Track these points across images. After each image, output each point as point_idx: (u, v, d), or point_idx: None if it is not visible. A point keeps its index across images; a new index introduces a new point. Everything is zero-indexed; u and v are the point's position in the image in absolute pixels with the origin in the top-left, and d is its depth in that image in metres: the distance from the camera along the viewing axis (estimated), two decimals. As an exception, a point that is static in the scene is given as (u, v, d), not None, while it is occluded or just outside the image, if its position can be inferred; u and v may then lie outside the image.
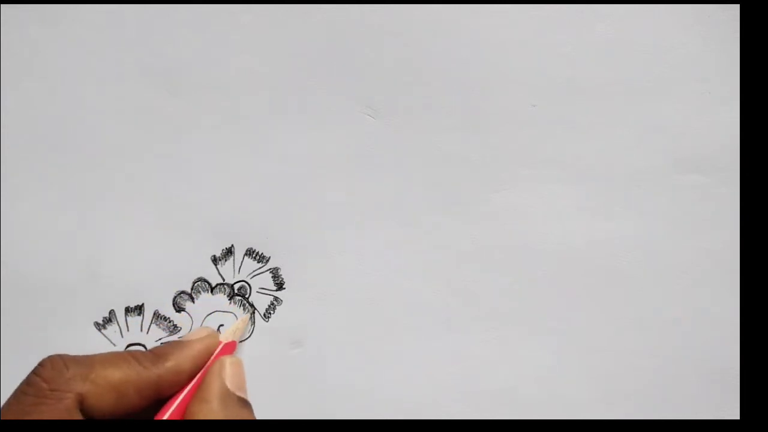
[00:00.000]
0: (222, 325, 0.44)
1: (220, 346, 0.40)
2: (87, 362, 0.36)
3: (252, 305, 0.44)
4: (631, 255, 0.44)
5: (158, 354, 0.38)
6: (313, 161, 0.44)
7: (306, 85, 0.44)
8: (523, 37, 0.43)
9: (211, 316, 0.44)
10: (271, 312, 0.44)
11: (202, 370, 0.39)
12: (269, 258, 0.44)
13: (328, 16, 0.43)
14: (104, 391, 0.35)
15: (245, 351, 0.44)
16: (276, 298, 0.44)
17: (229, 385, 0.38)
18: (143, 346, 0.44)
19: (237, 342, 0.42)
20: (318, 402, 0.44)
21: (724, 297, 0.43)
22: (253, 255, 0.44)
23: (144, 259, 0.44)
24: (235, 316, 0.44)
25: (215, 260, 0.44)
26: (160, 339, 0.44)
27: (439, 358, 0.44)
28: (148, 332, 0.44)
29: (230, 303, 0.44)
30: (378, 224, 0.44)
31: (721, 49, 0.43)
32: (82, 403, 0.35)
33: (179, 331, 0.44)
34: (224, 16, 0.44)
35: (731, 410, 0.43)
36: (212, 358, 0.40)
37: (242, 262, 0.44)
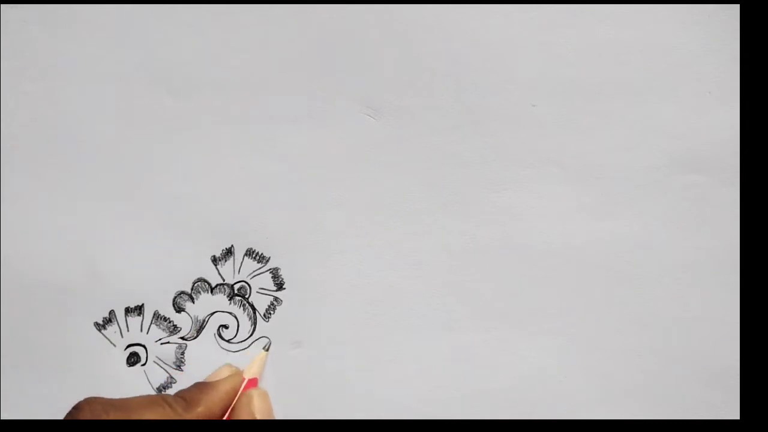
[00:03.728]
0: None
1: (244, 383, 0.42)
2: (124, 407, 0.36)
3: (252, 305, 0.44)
4: (631, 255, 0.44)
5: (189, 400, 0.39)
6: (313, 161, 0.44)
7: (306, 85, 0.44)
8: (523, 37, 0.43)
9: (210, 317, 0.44)
10: (271, 312, 0.44)
11: (230, 408, 0.40)
12: (269, 258, 0.44)
13: (328, 16, 0.43)
14: None
15: (246, 351, 0.44)
16: (276, 298, 0.44)
17: (258, 416, 0.40)
18: (143, 346, 0.44)
19: (258, 378, 0.43)
20: (318, 402, 0.44)
21: (724, 297, 0.43)
22: (253, 255, 0.44)
23: (144, 259, 0.44)
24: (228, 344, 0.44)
25: (215, 260, 0.44)
26: (160, 339, 0.44)
27: (439, 358, 0.44)
28: (148, 332, 0.44)
29: (230, 303, 0.44)
30: (378, 224, 0.44)
31: (721, 49, 0.43)
32: None
33: (179, 331, 0.44)
34: (224, 16, 0.44)
35: (731, 410, 0.43)
36: (238, 395, 0.41)
37: (242, 262, 0.44)
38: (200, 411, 0.39)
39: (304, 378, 0.44)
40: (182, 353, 0.44)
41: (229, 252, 0.44)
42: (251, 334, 0.44)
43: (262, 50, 0.44)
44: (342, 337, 0.44)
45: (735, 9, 0.42)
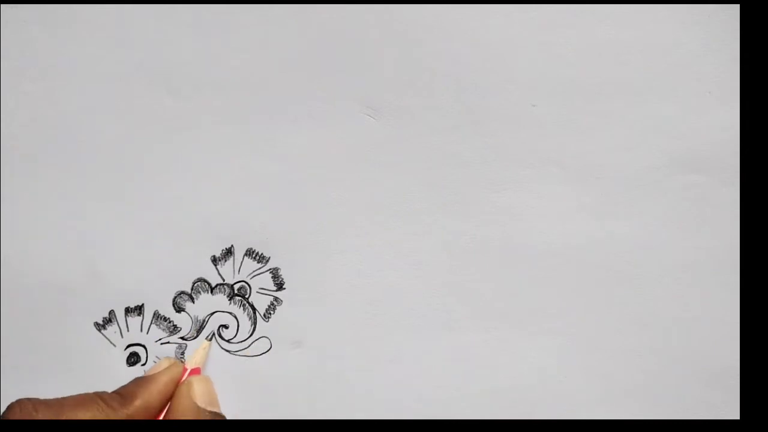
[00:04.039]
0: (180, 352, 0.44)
1: (186, 374, 0.41)
2: (56, 405, 0.36)
3: (252, 305, 0.44)
4: (631, 255, 0.44)
5: (125, 394, 0.38)
6: (313, 161, 0.44)
7: (306, 85, 0.44)
8: (523, 37, 0.43)
9: (210, 317, 0.44)
10: (271, 312, 0.44)
11: (171, 399, 0.40)
12: (269, 258, 0.44)
13: (328, 16, 0.43)
14: None
15: (246, 351, 0.44)
16: (276, 298, 0.44)
17: (199, 402, 0.39)
18: (143, 346, 0.44)
19: (201, 368, 0.43)
20: (318, 402, 0.44)
21: (724, 297, 0.43)
22: (253, 255, 0.44)
23: (144, 259, 0.44)
24: (183, 344, 0.44)
25: (215, 260, 0.44)
26: (160, 339, 0.44)
27: (439, 358, 0.44)
28: (148, 332, 0.44)
29: (230, 303, 0.44)
30: (378, 224, 0.44)
31: (721, 49, 0.43)
32: None
33: (179, 331, 0.44)
34: (224, 16, 0.44)
35: (731, 410, 0.43)
36: (179, 385, 0.40)
37: (242, 262, 0.44)
38: (138, 404, 0.38)
39: (304, 378, 0.44)
40: (182, 353, 0.44)
41: (229, 252, 0.44)
42: (251, 334, 0.44)
43: (262, 50, 0.44)
44: (342, 337, 0.44)
45: (735, 9, 0.42)
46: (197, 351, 0.43)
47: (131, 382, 0.40)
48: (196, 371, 0.42)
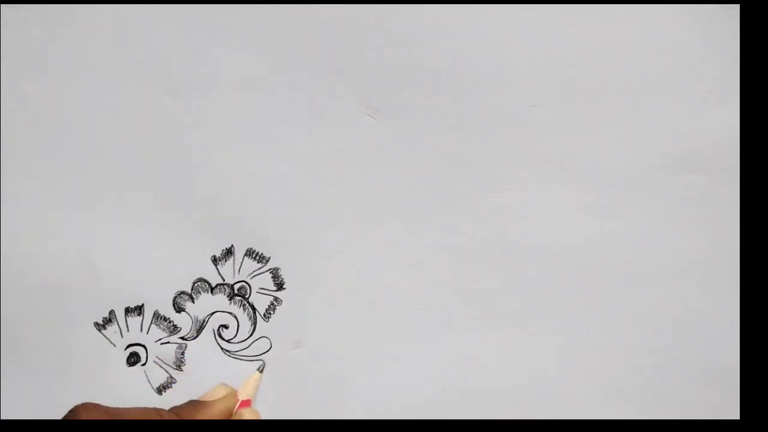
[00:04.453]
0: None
1: (237, 405, 0.42)
2: (119, 415, 0.37)
3: (252, 305, 0.44)
4: (631, 255, 0.44)
5: (182, 416, 0.39)
6: (313, 161, 0.44)
7: (306, 85, 0.44)
8: (523, 37, 0.43)
9: (210, 317, 0.44)
10: (271, 312, 0.44)
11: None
12: (269, 258, 0.44)
13: (328, 16, 0.43)
14: None
15: (246, 351, 0.44)
16: (276, 298, 0.44)
17: None
18: (143, 346, 0.44)
19: (252, 399, 0.43)
20: (318, 402, 0.44)
21: (724, 297, 0.43)
22: (253, 255, 0.44)
23: (144, 259, 0.44)
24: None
25: (215, 260, 0.44)
26: (160, 339, 0.44)
27: (439, 358, 0.44)
28: (148, 332, 0.44)
29: (230, 303, 0.44)
30: (378, 224, 0.44)
31: (721, 49, 0.43)
32: None
33: (179, 331, 0.44)
34: (224, 16, 0.44)
35: (731, 410, 0.43)
36: (231, 416, 0.41)
37: (242, 262, 0.44)
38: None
39: (304, 378, 0.44)
40: (182, 353, 0.44)
41: (229, 252, 0.44)
42: (251, 334, 0.44)
43: (262, 50, 0.44)
44: (342, 337, 0.44)
45: (735, 9, 0.42)
46: (248, 382, 0.43)
47: (188, 404, 0.41)
48: (247, 402, 0.43)
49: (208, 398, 0.41)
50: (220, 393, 0.42)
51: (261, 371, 0.44)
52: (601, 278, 0.44)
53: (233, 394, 0.42)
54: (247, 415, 0.42)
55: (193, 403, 0.41)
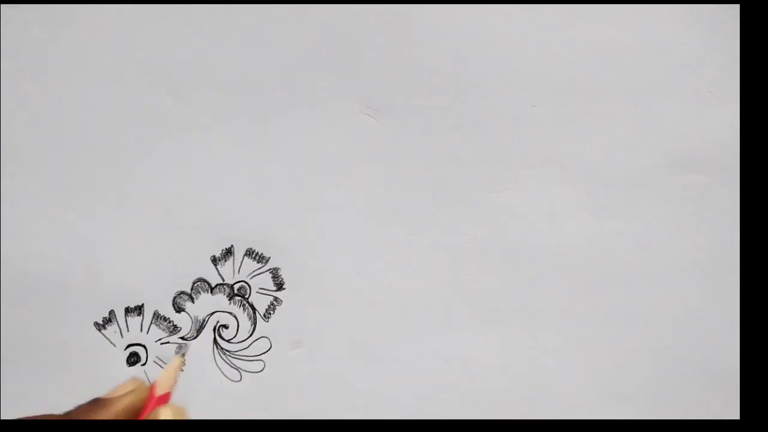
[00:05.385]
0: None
1: (150, 401, 0.32)
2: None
3: (252, 305, 0.44)
4: (631, 255, 0.44)
5: (73, 417, 0.32)
6: (313, 161, 0.44)
7: (306, 85, 0.44)
8: (523, 37, 0.43)
9: (210, 317, 0.44)
10: (271, 312, 0.44)
11: None
12: (269, 258, 0.44)
13: (328, 16, 0.43)
14: None
15: (246, 351, 0.44)
16: (276, 298, 0.44)
17: None
18: (143, 346, 0.44)
19: (172, 392, 0.33)
20: (318, 402, 0.44)
21: (724, 297, 0.43)
22: (253, 255, 0.44)
23: (144, 259, 0.44)
24: (159, 363, 0.40)
25: (215, 260, 0.44)
26: (160, 339, 0.44)
27: (439, 358, 0.44)
28: (148, 332, 0.44)
29: (230, 303, 0.44)
30: (378, 224, 0.44)
31: (721, 49, 0.43)
32: None
33: (179, 331, 0.44)
34: (224, 16, 0.44)
35: (731, 410, 0.43)
36: (142, 414, 0.32)
37: (242, 262, 0.44)
38: None
39: (304, 378, 0.44)
40: (182, 354, 0.44)
41: (229, 252, 0.44)
42: (251, 334, 0.44)
43: (262, 50, 0.44)
44: (342, 337, 0.44)
45: (735, 9, 0.42)
46: (166, 371, 0.33)
47: (87, 403, 0.32)
48: (165, 398, 0.33)
49: (111, 395, 0.33)
50: (127, 388, 0.32)
51: (183, 355, 0.35)
52: (601, 278, 0.44)
53: (143, 388, 0.32)
54: (164, 414, 0.32)
55: (93, 402, 0.32)
